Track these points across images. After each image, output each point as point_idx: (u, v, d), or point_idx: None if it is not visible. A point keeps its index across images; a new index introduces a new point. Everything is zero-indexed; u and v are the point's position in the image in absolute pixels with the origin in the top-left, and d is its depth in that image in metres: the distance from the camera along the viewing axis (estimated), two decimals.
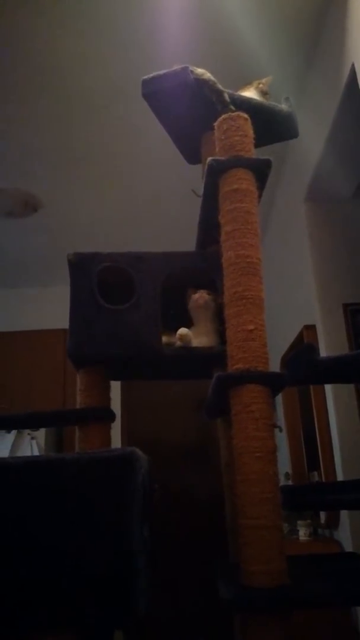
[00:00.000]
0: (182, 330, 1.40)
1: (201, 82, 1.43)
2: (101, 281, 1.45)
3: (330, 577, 1.18)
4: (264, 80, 1.59)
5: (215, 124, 1.32)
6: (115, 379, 1.58)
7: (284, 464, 3.30)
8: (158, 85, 1.49)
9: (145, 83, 1.51)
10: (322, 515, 2.76)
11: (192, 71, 1.44)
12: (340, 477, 2.47)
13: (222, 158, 1.27)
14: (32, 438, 3.61)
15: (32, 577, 0.88)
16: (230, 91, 1.50)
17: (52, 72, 2.54)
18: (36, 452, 3.54)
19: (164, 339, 1.41)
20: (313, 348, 1.21)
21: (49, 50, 2.42)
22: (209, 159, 1.27)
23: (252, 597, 0.98)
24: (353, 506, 1.74)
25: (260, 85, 1.57)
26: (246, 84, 1.59)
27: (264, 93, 1.56)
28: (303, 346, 1.24)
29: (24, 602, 0.87)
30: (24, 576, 0.88)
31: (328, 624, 2.27)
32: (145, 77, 1.51)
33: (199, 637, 3.38)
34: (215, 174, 1.28)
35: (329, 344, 2.62)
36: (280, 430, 3.53)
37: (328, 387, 2.63)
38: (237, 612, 1.24)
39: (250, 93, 1.55)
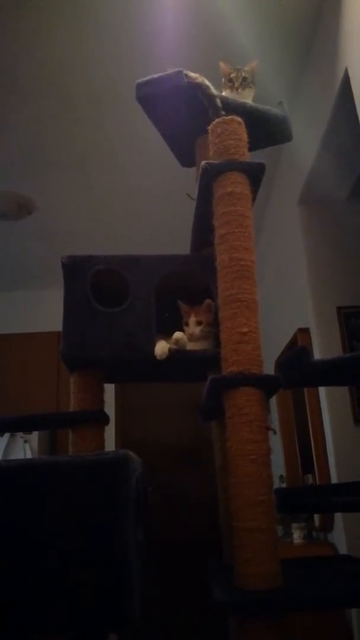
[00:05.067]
0: (177, 334, 1.40)
1: (194, 86, 1.43)
2: (95, 284, 1.45)
3: (324, 579, 1.18)
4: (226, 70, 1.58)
5: (209, 127, 1.33)
6: (109, 382, 1.58)
7: (278, 466, 3.30)
8: (152, 88, 1.50)
9: (139, 86, 1.51)
10: (317, 518, 2.76)
11: (186, 75, 1.45)
12: (334, 479, 2.47)
13: (216, 161, 1.27)
14: (25, 441, 3.59)
15: (25, 580, 0.88)
16: (224, 95, 1.51)
17: (47, 74, 2.53)
18: (29, 455, 3.52)
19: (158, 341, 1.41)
20: (306, 351, 1.22)
21: (44, 52, 2.42)
22: (203, 162, 1.27)
23: (245, 599, 0.98)
24: (347, 509, 1.75)
25: (232, 75, 1.57)
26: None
27: (237, 80, 1.56)
28: (296, 349, 1.24)
29: (17, 605, 0.87)
30: (17, 579, 0.87)
31: (322, 625, 2.27)
32: (139, 80, 1.51)
33: None
34: (209, 178, 1.28)
35: (323, 347, 2.62)
36: (275, 433, 3.52)
37: (322, 390, 2.63)
38: (231, 614, 1.24)
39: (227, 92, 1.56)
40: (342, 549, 2.39)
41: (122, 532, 0.90)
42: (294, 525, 2.80)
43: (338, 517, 2.47)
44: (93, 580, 0.88)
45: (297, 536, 2.76)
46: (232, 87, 1.56)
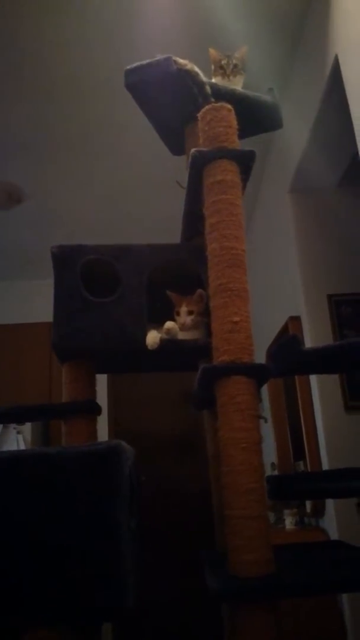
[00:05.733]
0: (169, 324, 1.40)
1: (184, 73, 1.42)
2: (86, 274, 1.44)
3: (317, 565, 1.19)
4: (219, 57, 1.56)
5: (199, 114, 1.31)
6: (101, 372, 1.58)
7: (270, 454, 3.32)
8: (141, 75, 1.48)
9: (127, 73, 1.49)
10: (308, 505, 2.79)
11: (175, 61, 1.43)
12: (325, 466, 2.49)
13: (206, 149, 1.26)
14: (18, 432, 3.59)
15: (17, 571, 0.88)
16: (214, 82, 1.50)
17: (34, 62, 2.50)
18: (22, 447, 3.52)
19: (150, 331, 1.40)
20: (297, 339, 1.22)
21: (30, 39, 2.39)
22: (193, 150, 1.26)
23: (239, 586, 0.99)
24: (338, 495, 1.76)
25: (223, 62, 1.55)
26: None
27: (228, 67, 1.54)
28: (287, 337, 1.24)
29: (10, 596, 0.87)
30: (10, 571, 0.87)
31: (314, 610, 2.30)
32: (128, 67, 1.49)
33: None
34: (199, 166, 1.27)
35: (314, 335, 2.63)
36: (266, 421, 3.54)
37: (313, 378, 2.65)
38: (224, 602, 1.25)
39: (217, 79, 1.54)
40: (334, 535, 2.41)
41: (116, 523, 0.90)
42: (286, 511, 2.82)
43: (329, 503, 2.50)
44: (87, 571, 0.88)
45: (289, 522, 2.78)
46: (223, 74, 1.54)
